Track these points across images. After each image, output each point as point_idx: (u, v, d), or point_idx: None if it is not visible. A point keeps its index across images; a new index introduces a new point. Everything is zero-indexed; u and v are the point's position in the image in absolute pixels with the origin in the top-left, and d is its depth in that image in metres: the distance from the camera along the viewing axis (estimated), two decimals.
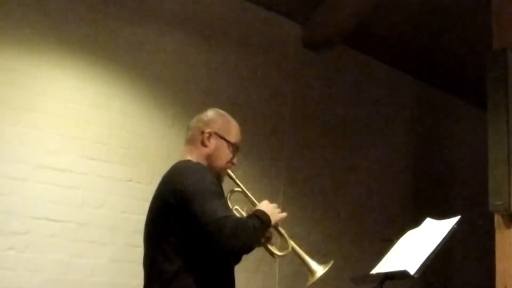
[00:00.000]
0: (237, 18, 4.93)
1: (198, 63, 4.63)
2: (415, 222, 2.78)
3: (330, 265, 2.30)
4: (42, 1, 3.88)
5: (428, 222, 2.68)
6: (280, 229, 2.37)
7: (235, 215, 2.24)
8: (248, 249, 2.18)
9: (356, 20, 5.09)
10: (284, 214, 2.35)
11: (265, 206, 2.32)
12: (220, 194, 2.24)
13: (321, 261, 2.32)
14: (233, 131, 2.44)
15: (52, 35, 3.89)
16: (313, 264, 2.32)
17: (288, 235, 2.38)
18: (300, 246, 2.38)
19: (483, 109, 4.15)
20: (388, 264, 2.57)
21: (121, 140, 4.12)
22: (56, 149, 3.81)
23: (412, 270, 2.35)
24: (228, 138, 2.41)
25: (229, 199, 2.44)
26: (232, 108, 4.62)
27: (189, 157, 2.37)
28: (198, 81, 4.60)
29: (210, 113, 2.46)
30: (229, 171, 2.44)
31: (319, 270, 2.29)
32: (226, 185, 2.47)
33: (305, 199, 5.24)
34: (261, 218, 2.22)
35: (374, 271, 2.58)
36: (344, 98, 5.74)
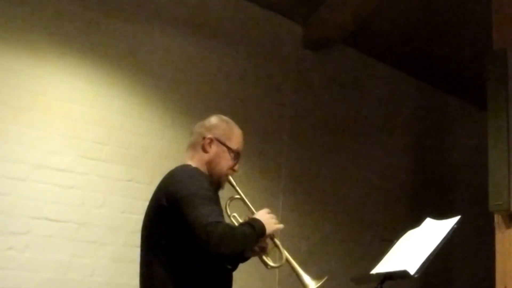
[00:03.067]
0: (237, 18, 4.93)
1: (198, 63, 4.63)
2: (415, 222, 2.78)
3: (323, 281, 2.28)
4: (42, 1, 3.88)
5: (428, 222, 2.68)
6: (276, 240, 2.35)
7: (225, 221, 2.19)
8: (238, 256, 2.16)
9: (356, 20, 5.09)
10: (280, 226, 2.33)
11: (261, 215, 2.30)
12: (213, 200, 2.21)
13: (314, 276, 2.30)
14: (235, 138, 2.43)
15: (52, 35, 3.89)
16: (306, 278, 2.30)
17: (283, 246, 2.36)
18: (295, 258, 2.36)
19: (483, 109, 4.15)
20: (388, 264, 2.57)
21: (121, 140, 4.12)
22: (56, 149, 3.81)
23: (412, 270, 2.35)
24: (229, 145, 2.40)
25: (229, 206, 2.44)
26: (232, 108, 4.64)
27: (189, 162, 2.38)
28: (198, 81, 4.60)
29: (213, 119, 2.46)
30: (230, 178, 2.43)
31: (312, 284, 2.27)
32: (228, 192, 2.47)
33: (305, 199, 5.23)
34: (254, 226, 2.20)
35: (374, 271, 2.58)
36: (344, 98, 5.74)
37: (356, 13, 5.03)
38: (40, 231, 3.66)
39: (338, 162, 5.57)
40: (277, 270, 4.74)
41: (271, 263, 2.36)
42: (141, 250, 2.31)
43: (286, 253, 2.35)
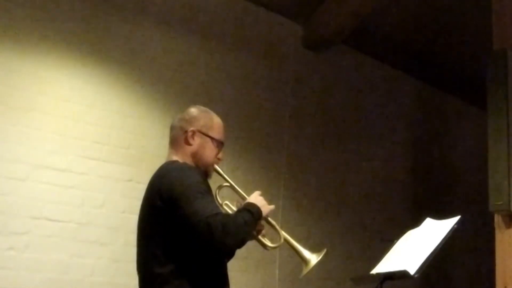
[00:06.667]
0: (237, 18, 4.93)
1: (198, 63, 4.63)
2: (415, 222, 2.78)
3: (323, 253, 2.29)
4: (42, 1, 3.88)
5: (428, 222, 2.68)
6: (271, 220, 2.35)
7: (223, 212, 2.19)
8: (240, 244, 2.17)
9: (356, 20, 5.09)
10: (273, 206, 2.33)
11: (255, 198, 2.30)
12: (208, 192, 2.21)
13: (314, 250, 2.30)
14: (216, 127, 2.43)
15: (52, 35, 3.89)
16: (306, 253, 2.30)
17: (279, 226, 2.36)
18: (292, 237, 2.36)
19: (483, 109, 4.15)
20: (388, 264, 2.57)
21: (121, 140, 4.12)
22: (56, 149, 3.81)
23: (412, 270, 2.35)
24: (211, 135, 2.39)
25: (218, 194, 2.43)
26: (232, 108, 4.65)
27: (174, 158, 2.37)
28: (198, 81, 4.61)
29: (192, 111, 2.45)
30: (217, 167, 2.43)
31: (313, 258, 2.28)
32: (217, 181, 2.46)
33: (305, 199, 5.23)
34: (252, 211, 2.20)
35: (374, 271, 2.58)
36: (344, 98, 5.74)
37: (356, 13, 5.03)
38: (40, 231, 3.66)
39: (338, 162, 5.57)
40: (277, 270, 4.74)
41: (269, 244, 2.35)
42: (139, 251, 2.30)
43: (283, 232, 2.35)
